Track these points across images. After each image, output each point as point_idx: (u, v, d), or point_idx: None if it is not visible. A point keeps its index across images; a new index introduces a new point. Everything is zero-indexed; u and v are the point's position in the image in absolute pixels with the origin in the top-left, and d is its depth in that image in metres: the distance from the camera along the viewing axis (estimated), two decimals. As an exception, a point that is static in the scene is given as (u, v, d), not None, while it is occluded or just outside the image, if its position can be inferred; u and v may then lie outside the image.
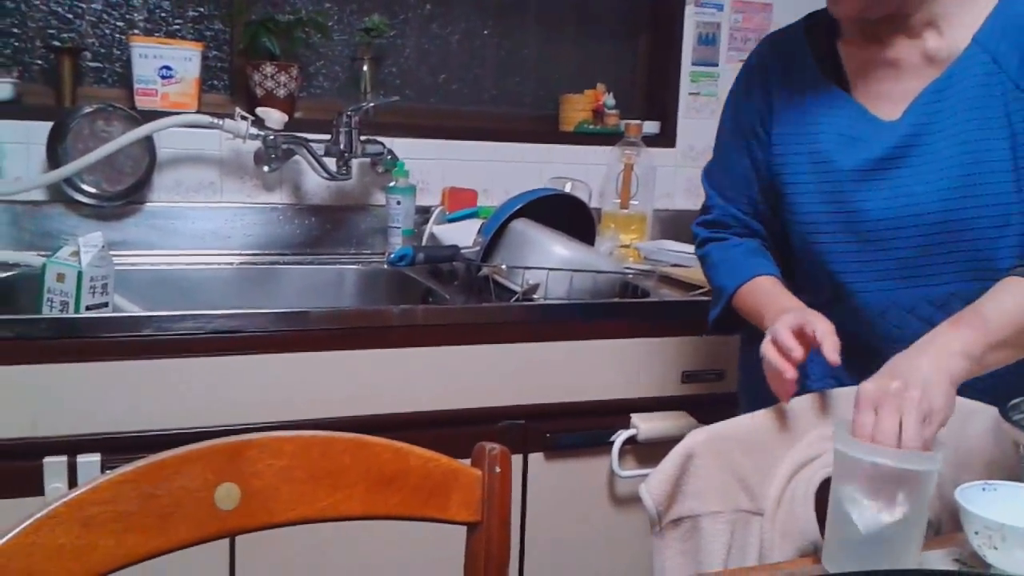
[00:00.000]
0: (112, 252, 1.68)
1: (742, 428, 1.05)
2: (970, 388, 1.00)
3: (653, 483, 1.02)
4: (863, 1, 1.12)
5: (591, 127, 2.36)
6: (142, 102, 1.95)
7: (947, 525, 1.00)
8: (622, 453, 1.70)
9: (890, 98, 1.17)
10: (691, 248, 2.23)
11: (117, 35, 2.05)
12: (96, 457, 1.41)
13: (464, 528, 0.96)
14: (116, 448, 1.41)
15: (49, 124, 1.88)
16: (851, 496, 0.83)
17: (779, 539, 1.00)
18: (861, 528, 0.82)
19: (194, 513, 0.85)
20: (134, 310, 1.61)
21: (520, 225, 1.80)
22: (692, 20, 2.43)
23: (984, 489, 0.93)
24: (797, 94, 1.23)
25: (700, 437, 1.03)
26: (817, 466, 1.00)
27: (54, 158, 1.88)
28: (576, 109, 2.37)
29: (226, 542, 1.47)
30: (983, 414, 1.10)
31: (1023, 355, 1.06)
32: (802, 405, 1.07)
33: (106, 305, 1.56)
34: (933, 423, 0.90)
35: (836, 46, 1.23)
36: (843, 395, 1.06)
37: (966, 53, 1.13)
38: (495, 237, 1.83)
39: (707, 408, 1.75)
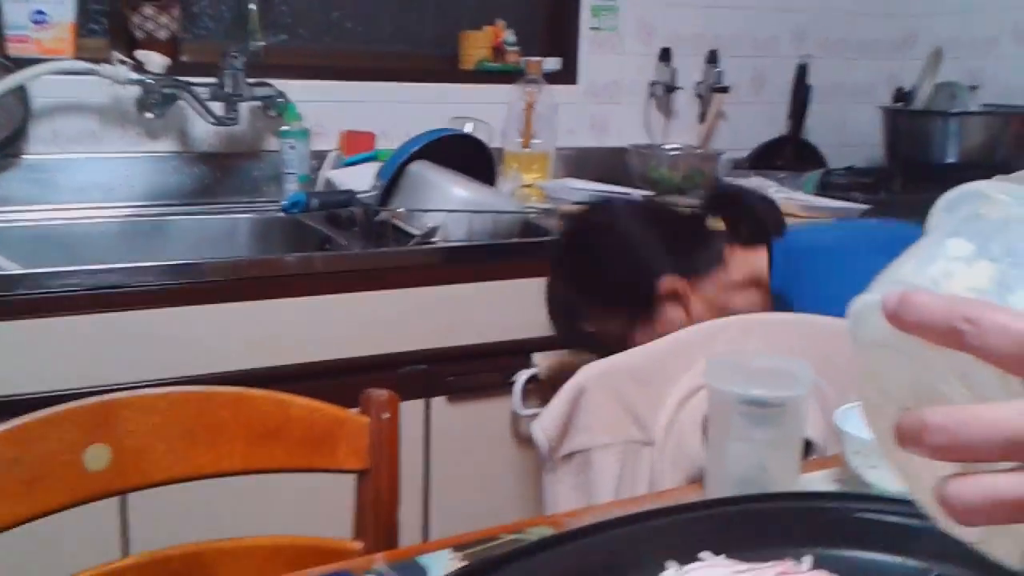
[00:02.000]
0: (-13, 209, 1.60)
1: (634, 360, 1.06)
2: None
3: (545, 420, 1.02)
4: None
5: (491, 65, 2.32)
6: (14, 49, 1.84)
7: (833, 448, 1.03)
8: (526, 392, 1.71)
9: None
10: (594, 185, 2.24)
11: (-19, -23, 1.93)
12: (-24, 423, 1.35)
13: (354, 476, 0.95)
14: (-2, 412, 1.36)
15: (-90, 75, 1.77)
16: (725, 428, 0.85)
17: (669, 467, 1.02)
18: (737, 458, 0.84)
19: (62, 476, 0.81)
20: (13, 268, 1.54)
21: (418, 167, 1.77)
22: (591, -47, 2.39)
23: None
24: None
25: (591, 372, 1.03)
26: (705, 395, 1.01)
27: (-82, 111, 1.77)
28: (476, 47, 2.32)
29: (114, 503, 1.43)
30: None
31: None
32: (692, 335, 1.07)
33: (-18, 264, 1.48)
34: None
35: None
36: (728, 324, 1.07)
37: None
38: (393, 181, 1.79)
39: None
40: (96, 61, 1.81)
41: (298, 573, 0.75)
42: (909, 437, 0.38)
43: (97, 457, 0.82)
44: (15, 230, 1.76)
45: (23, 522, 0.80)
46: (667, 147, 2.44)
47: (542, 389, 1.73)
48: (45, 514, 0.82)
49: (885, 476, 0.88)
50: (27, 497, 0.80)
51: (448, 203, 1.70)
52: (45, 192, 1.88)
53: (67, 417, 0.82)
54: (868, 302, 0.41)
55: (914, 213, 2.12)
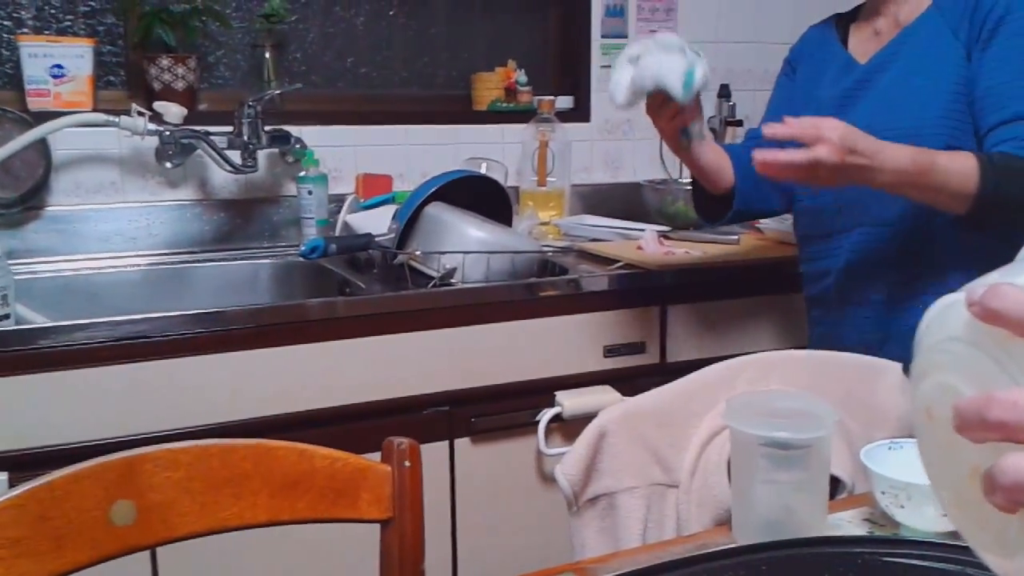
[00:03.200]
0: (12, 261, 1.62)
1: (654, 402, 1.05)
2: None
3: (568, 464, 1.01)
4: None
5: (504, 105, 2.34)
6: (34, 103, 1.88)
7: (861, 484, 1.02)
8: (549, 431, 1.70)
9: (866, 54, 1.45)
10: (610, 221, 2.25)
11: (5, 35, 1.97)
12: (3, 476, 1.36)
13: (378, 526, 0.95)
14: (24, 465, 1.36)
15: (-65, 131, 1.80)
16: (749, 470, 0.84)
17: (695, 509, 1.01)
18: (763, 501, 0.83)
19: (89, 533, 0.82)
20: (39, 320, 1.56)
21: (434, 209, 1.78)
22: (599, -8, 2.42)
23: (890, 448, 0.94)
24: (819, 59, 1.53)
25: (612, 414, 1.03)
26: (728, 435, 1.01)
27: (-57, 167, 1.80)
28: (488, 87, 2.34)
29: (143, 558, 1.43)
30: (892, 371, 1.12)
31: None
32: (711, 374, 1.07)
33: (7, 317, 1.50)
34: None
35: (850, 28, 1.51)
36: (747, 363, 1.07)
37: (924, 15, 1.38)
38: (410, 223, 1.80)
39: (630, 381, 1.76)
40: (115, 113, 1.84)
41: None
42: (997, 418, 0.38)
43: (123, 513, 0.82)
44: (39, 281, 1.78)
45: (50, 579, 0.80)
46: (683, 181, 2.44)
47: (566, 428, 1.72)
48: (73, 571, 0.82)
49: (913, 515, 0.87)
50: (55, 555, 0.80)
51: (465, 244, 1.71)
52: (68, 243, 1.91)
53: (92, 474, 0.82)
54: (949, 301, 0.43)
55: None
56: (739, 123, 2.54)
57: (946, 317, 0.43)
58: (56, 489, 0.81)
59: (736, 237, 2.06)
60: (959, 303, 0.42)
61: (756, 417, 0.84)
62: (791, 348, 1.17)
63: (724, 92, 2.55)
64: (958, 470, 0.44)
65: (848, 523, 0.91)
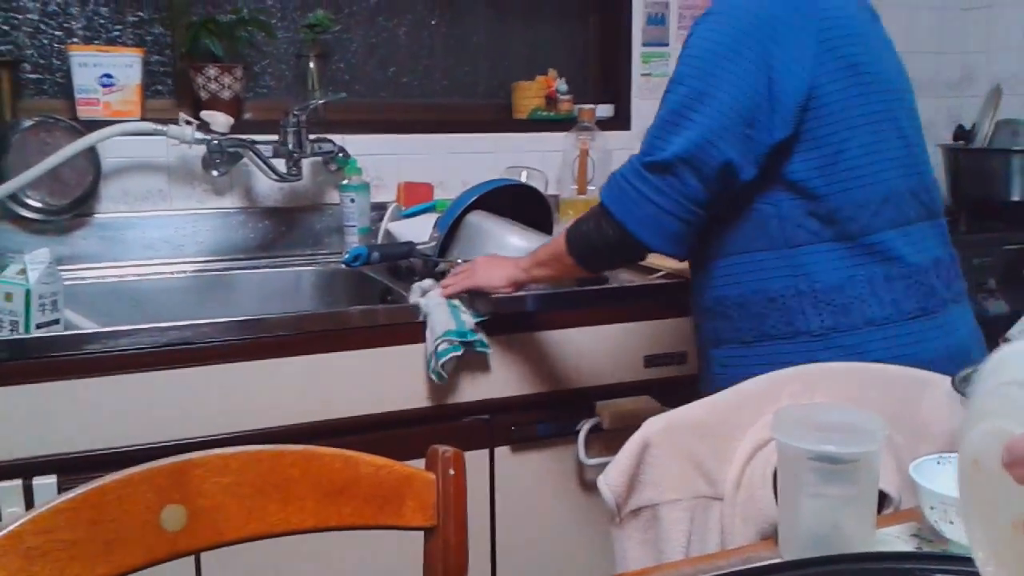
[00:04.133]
0: (61, 267, 1.65)
1: (697, 414, 1.04)
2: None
3: (611, 475, 1.01)
4: None
5: (545, 114, 2.34)
6: (84, 112, 1.92)
7: (908, 499, 1.00)
8: (589, 441, 1.70)
9: None
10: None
11: (56, 45, 2.01)
12: (52, 479, 1.38)
13: (422, 533, 0.95)
14: (72, 468, 1.39)
15: (-11, 140, 1.84)
16: (796, 484, 0.83)
17: (740, 522, 1.00)
18: (810, 516, 0.82)
19: (140, 537, 0.83)
20: (87, 325, 1.59)
21: (475, 218, 1.79)
22: (641, 1, 2.41)
23: (939, 463, 0.93)
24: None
25: (656, 426, 1.03)
26: (773, 448, 1.00)
27: (-4, 174, 1.84)
28: (529, 96, 2.35)
29: (187, 563, 1.45)
30: (938, 385, 1.10)
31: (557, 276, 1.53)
32: (756, 387, 1.06)
33: (57, 322, 1.53)
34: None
35: None
36: (793, 376, 1.06)
37: None
38: (451, 231, 1.81)
39: (671, 391, 1.75)
40: (163, 122, 1.87)
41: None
42: None
43: (173, 517, 0.83)
44: (87, 287, 1.82)
45: (102, 582, 0.82)
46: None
47: (606, 438, 1.72)
48: (123, 575, 0.83)
49: (962, 531, 0.86)
50: (105, 558, 0.81)
51: (506, 252, 1.71)
52: (115, 249, 1.94)
53: (143, 478, 0.83)
54: (1016, 349, 0.43)
55: (981, 253, 2.09)
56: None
57: (1006, 363, 0.43)
58: (108, 493, 0.82)
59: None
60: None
61: (804, 430, 0.83)
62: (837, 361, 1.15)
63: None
64: (1001, 522, 0.43)
65: (896, 539, 0.90)
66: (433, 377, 1.56)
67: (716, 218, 1.31)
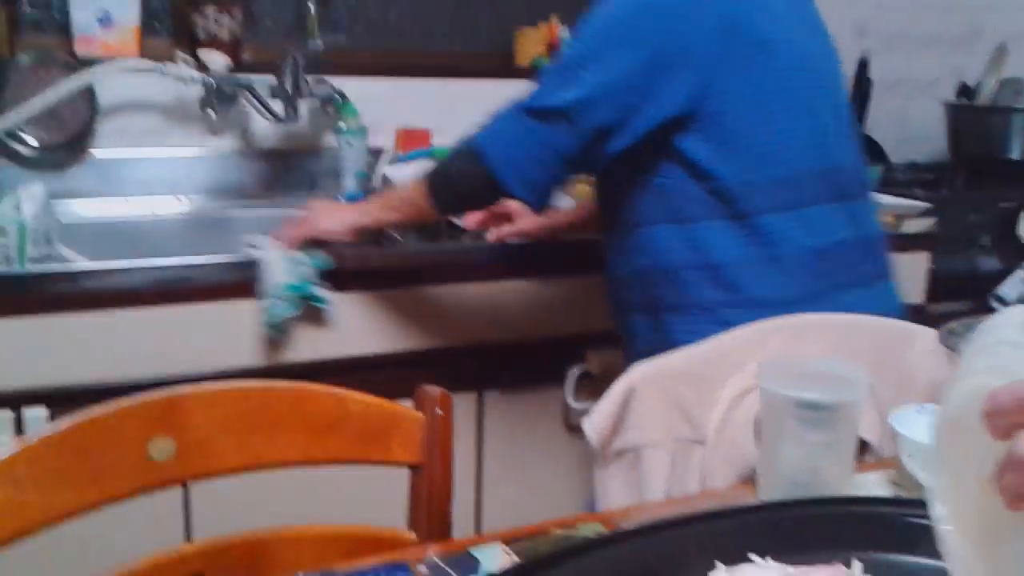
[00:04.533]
0: (56, 203, 1.65)
1: (683, 361, 1.06)
2: None
3: (596, 417, 1.02)
4: None
5: (546, 62, 2.32)
6: (82, 49, 1.90)
7: (889, 448, 1.02)
8: (578, 387, 1.72)
9: None
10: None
11: (52, -20, 1.98)
12: (43, 410, 1.40)
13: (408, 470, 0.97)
14: (63, 401, 1.40)
15: (-15, 74, 1.83)
16: (778, 430, 0.84)
17: (720, 466, 1.02)
18: (790, 460, 0.84)
19: (129, 466, 0.84)
20: (81, 262, 1.59)
21: (472, 164, 1.78)
22: (646, -53, 2.38)
23: (919, 412, 0.94)
24: None
25: (642, 371, 1.04)
26: (757, 395, 1.01)
27: (-8, 109, 1.83)
28: (531, 44, 2.33)
29: (177, 493, 1.47)
30: (923, 336, 1.11)
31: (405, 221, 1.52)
32: (741, 336, 1.07)
33: (51, 257, 1.53)
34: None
35: None
36: (780, 326, 1.07)
37: None
38: (447, 177, 1.81)
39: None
40: (160, 60, 1.85)
41: (355, 561, 0.77)
42: None
43: (162, 449, 0.85)
44: (83, 224, 1.82)
45: (90, 509, 0.83)
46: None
47: (594, 385, 1.73)
48: (111, 502, 0.85)
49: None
50: (94, 486, 0.83)
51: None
52: (111, 187, 1.94)
53: (133, 410, 0.84)
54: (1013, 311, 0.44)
55: (977, 209, 2.09)
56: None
57: (999, 325, 0.43)
58: (98, 424, 0.83)
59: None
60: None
61: (788, 378, 0.84)
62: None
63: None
64: (968, 479, 0.44)
65: (873, 485, 0.92)
66: (269, 333, 1.50)
67: (623, 190, 1.31)
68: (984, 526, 0.43)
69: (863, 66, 2.60)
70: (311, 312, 1.54)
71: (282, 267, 1.47)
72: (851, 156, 1.32)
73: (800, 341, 1.08)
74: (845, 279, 1.27)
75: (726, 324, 1.19)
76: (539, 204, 1.34)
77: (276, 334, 1.51)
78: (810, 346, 1.08)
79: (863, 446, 1.00)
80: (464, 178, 1.35)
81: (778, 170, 1.22)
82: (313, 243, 1.52)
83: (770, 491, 0.87)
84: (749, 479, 0.97)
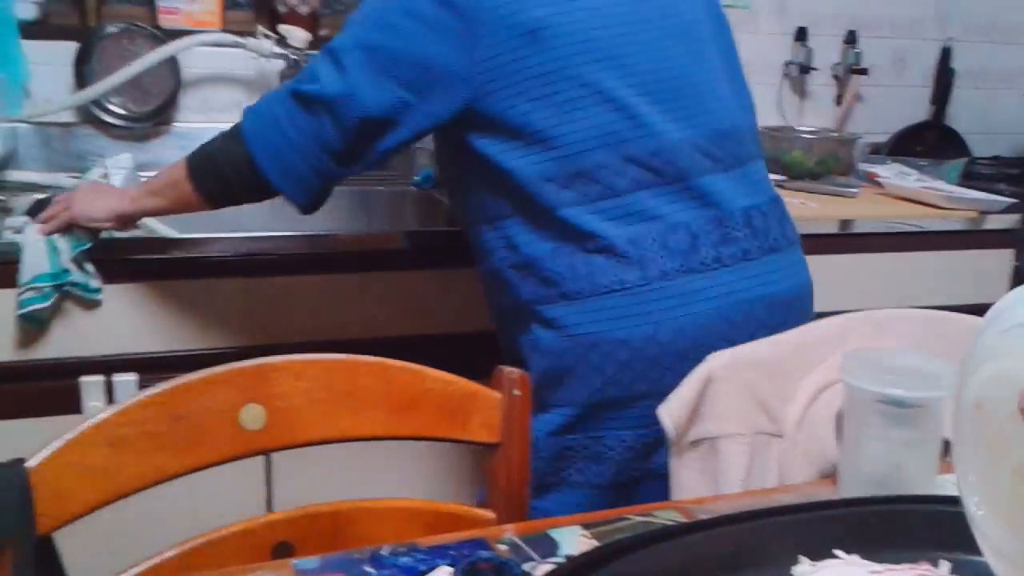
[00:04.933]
0: (141, 173, 1.69)
1: (763, 352, 1.05)
2: None
3: (672, 405, 1.02)
4: None
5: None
6: (165, 20, 1.94)
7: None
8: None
9: None
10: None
11: (139, -48, 2.03)
12: (133, 376, 1.44)
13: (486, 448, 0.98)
14: (152, 367, 1.45)
15: (75, 45, 1.88)
16: (861, 426, 0.84)
17: (800, 461, 1.01)
18: (872, 457, 0.83)
19: (220, 433, 0.87)
20: (167, 231, 1.63)
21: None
22: (727, -71, 2.34)
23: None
24: None
25: (720, 361, 1.03)
26: (839, 390, 1.00)
27: (81, 79, 1.88)
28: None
29: (258, 461, 1.51)
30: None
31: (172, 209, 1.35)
32: (825, 328, 1.06)
33: (137, 227, 1.57)
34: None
35: None
36: (861, 320, 1.05)
37: None
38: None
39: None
40: (242, 34, 1.88)
41: (438, 536, 0.79)
42: None
43: (253, 417, 0.87)
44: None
45: (182, 474, 0.86)
46: (801, 128, 2.38)
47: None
48: (201, 468, 0.87)
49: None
50: (188, 451, 0.86)
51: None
52: (193, 159, 1.98)
53: (226, 378, 0.87)
54: None
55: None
56: (864, 72, 2.45)
57: (1017, 305, 0.42)
58: (192, 389, 0.86)
59: (856, 190, 2.01)
60: None
61: (872, 373, 0.83)
62: (908, 308, 1.14)
63: (850, 38, 2.46)
64: (1000, 468, 0.43)
65: (955, 486, 0.90)
66: (28, 324, 1.40)
67: (453, 188, 1.28)
68: (1017, 510, 0.42)
69: (945, 56, 2.54)
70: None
71: (37, 253, 1.35)
72: (670, 137, 1.15)
73: (881, 336, 1.06)
74: (697, 261, 1.15)
75: (552, 322, 1.16)
76: (305, 202, 1.24)
77: (35, 326, 1.41)
78: (893, 340, 1.06)
79: (947, 445, 0.98)
80: (227, 162, 1.23)
81: (569, 163, 1.12)
82: (78, 228, 1.38)
83: (850, 488, 0.86)
84: (828, 475, 0.97)
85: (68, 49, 1.88)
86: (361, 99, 1.14)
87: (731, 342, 1.07)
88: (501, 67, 1.11)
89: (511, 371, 0.97)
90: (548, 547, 0.79)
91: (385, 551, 0.76)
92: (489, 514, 0.95)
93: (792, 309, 1.22)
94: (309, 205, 1.26)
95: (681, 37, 1.19)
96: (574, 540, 0.80)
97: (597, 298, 1.15)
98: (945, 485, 0.89)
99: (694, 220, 1.16)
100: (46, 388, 1.42)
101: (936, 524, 0.71)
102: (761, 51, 2.44)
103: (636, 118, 1.14)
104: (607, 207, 1.14)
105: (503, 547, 0.79)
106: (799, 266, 1.28)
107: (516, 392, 0.96)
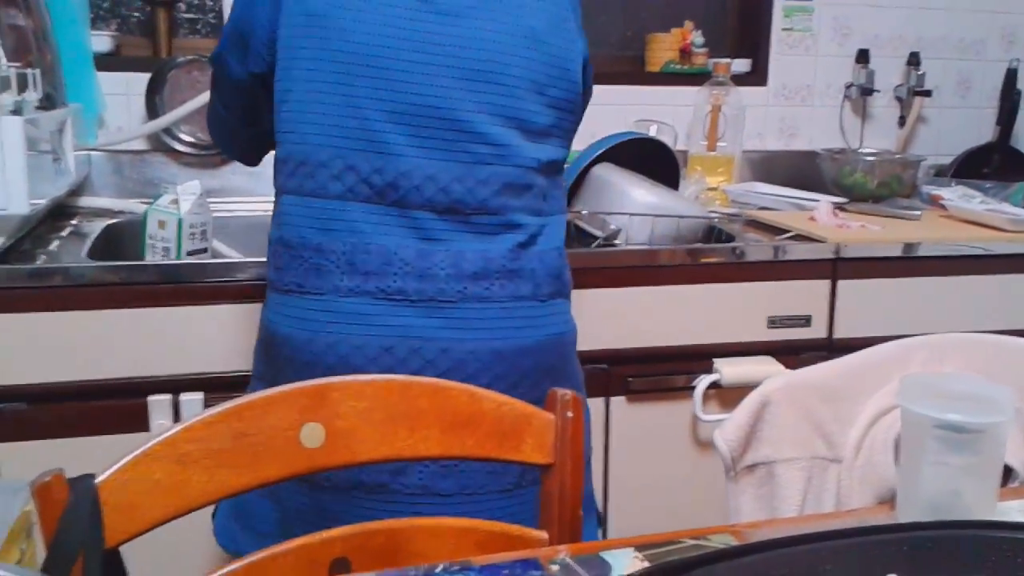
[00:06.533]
0: (209, 199, 1.75)
1: (820, 375, 1.04)
2: None
3: (727, 429, 1.02)
4: None
5: (678, 67, 2.32)
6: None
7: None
8: (706, 398, 1.71)
9: None
10: (781, 190, 2.20)
11: (208, -14, 2.10)
12: (199, 395, 1.49)
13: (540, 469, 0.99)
14: (217, 386, 1.49)
15: (147, 75, 1.95)
16: (919, 451, 0.83)
17: (857, 486, 1.00)
18: (931, 483, 0.82)
19: (281, 451, 0.89)
20: (232, 255, 1.68)
21: (601, 170, 1.80)
22: (785, -48, 2.34)
23: (1070, 440, 0.90)
24: None
25: (776, 384, 1.03)
26: (897, 415, 0.99)
27: (152, 108, 1.95)
28: (663, 48, 2.33)
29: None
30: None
31: None
32: (884, 353, 1.05)
33: (205, 251, 1.63)
34: None
35: None
36: (922, 344, 1.04)
37: None
38: (577, 183, 1.83)
39: (793, 353, 1.73)
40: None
41: (492, 555, 0.80)
42: None
43: (313, 434, 0.89)
44: (233, 219, 1.92)
45: (245, 490, 0.89)
46: (863, 151, 2.36)
47: (722, 395, 1.72)
48: (265, 484, 0.90)
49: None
50: (251, 468, 0.88)
51: (631, 206, 1.72)
52: (261, 186, 2.04)
53: (287, 397, 0.89)
54: None
55: None
56: (927, 93, 2.42)
57: None
58: (255, 408, 0.89)
59: (918, 213, 1.99)
60: None
61: (930, 398, 0.82)
62: (970, 332, 1.12)
63: (913, 60, 2.43)
64: None
65: (1018, 513, 0.89)
66: None
67: None
68: None
69: (1011, 77, 2.49)
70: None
71: None
72: (404, 160, 1.12)
73: (942, 361, 1.05)
74: (376, 287, 1.13)
75: (271, 306, 1.19)
76: (233, 156, 1.48)
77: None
78: (953, 366, 1.04)
79: (1008, 472, 0.97)
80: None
81: (300, 150, 1.13)
82: None
83: (909, 514, 0.85)
84: (887, 502, 0.95)
85: (140, 80, 1.95)
86: (222, 59, 1.24)
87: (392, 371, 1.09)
88: (281, 41, 1.14)
89: (564, 393, 0.98)
90: (601, 569, 0.80)
91: (439, 569, 0.77)
92: (542, 534, 0.95)
93: (479, 364, 1.16)
94: (238, 158, 1.49)
95: (463, 75, 1.14)
96: (627, 562, 0.81)
97: (286, 294, 1.17)
98: (1006, 512, 0.88)
99: (398, 248, 1.13)
100: (115, 406, 1.47)
101: (994, 550, 0.70)
102: (822, 73, 2.43)
103: (385, 144, 1.12)
104: (315, 206, 1.14)
105: (555, 567, 0.79)
106: (503, 323, 1.20)
107: (569, 414, 0.97)
